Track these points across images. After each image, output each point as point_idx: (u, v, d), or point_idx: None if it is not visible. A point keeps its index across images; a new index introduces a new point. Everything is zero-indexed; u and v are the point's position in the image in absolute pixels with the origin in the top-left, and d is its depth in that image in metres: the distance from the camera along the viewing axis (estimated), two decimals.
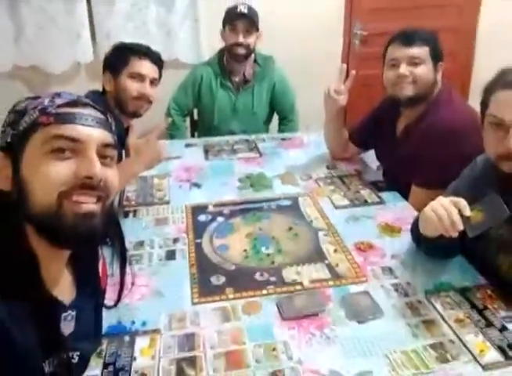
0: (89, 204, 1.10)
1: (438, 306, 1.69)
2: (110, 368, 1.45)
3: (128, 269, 1.36)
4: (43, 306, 1.08)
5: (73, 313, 1.22)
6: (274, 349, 1.53)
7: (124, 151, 2.44)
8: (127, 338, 1.57)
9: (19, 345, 0.99)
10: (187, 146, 3.29)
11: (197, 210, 2.39)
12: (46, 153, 1.07)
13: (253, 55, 3.57)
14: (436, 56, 2.39)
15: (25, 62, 4.24)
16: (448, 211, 1.62)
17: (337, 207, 2.41)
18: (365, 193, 2.54)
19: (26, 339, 1.01)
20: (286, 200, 2.49)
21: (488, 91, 1.72)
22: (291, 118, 3.86)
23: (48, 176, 1.06)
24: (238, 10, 3.37)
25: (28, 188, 1.06)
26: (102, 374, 1.44)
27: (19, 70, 4.28)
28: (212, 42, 3.95)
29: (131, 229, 2.18)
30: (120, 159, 2.18)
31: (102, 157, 1.13)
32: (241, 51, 3.44)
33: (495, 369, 1.43)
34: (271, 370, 1.45)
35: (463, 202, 1.63)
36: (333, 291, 1.81)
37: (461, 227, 1.60)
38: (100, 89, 2.62)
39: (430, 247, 1.91)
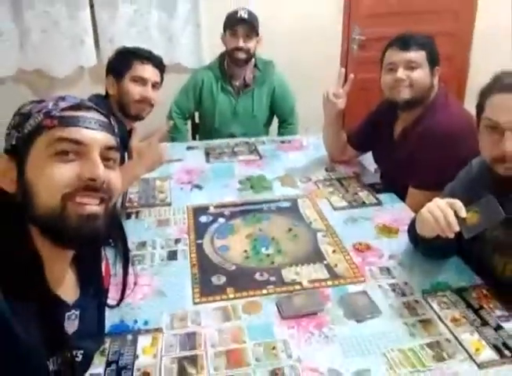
0: (92, 206, 1.10)
1: (435, 306, 1.69)
2: (113, 366, 1.46)
3: (130, 270, 1.36)
4: (47, 305, 1.09)
5: (77, 312, 1.22)
6: (274, 348, 1.53)
7: (126, 154, 2.44)
8: (129, 337, 1.57)
9: (23, 343, 0.99)
10: (188, 148, 3.29)
11: (198, 211, 2.39)
12: (50, 156, 1.07)
13: (253, 59, 3.57)
14: (432, 61, 2.39)
15: (29, 66, 4.24)
16: (444, 213, 1.62)
17: (335, 209, 2.41)
18: (363, 194, 2.54)
19: (30, 338, 1.01)
20: (286, 201, 2.49)
21: (484, 94, 1.73)
22: (291, 121, 3.86)
23: (52, 178, 1.06)
24: (238, 15, 3.37)
25: (33, 190, 1.07)
26: (105, 372, 1.44)
27: (23, 73, 4.28)
28: (213, 47, 3.95)
29: (134, 230, 2.18)
30: (122, 161, 2.18)
31: (105, 159, 1.14)
32: (241, 55, 3.44)
33: (491, 367, 1.44)
34: (271, 369, 1.45)
35: (459, 204, 1.64)
36: (332, 290, 1.81)
37: (457, 228, 1.60)
38: (103, 93, 2.63)
39: (427, 248, 1.91)
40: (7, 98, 3.86)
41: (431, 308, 1.69)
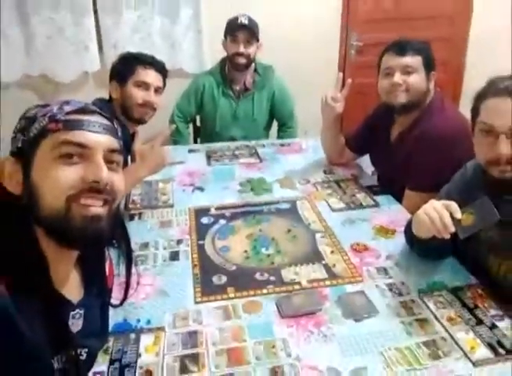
0: (96, 207, 1.10)
1: (431, 305, 1.69)
2: (116, 364, 1.46)
3: (133, 270, 1.36)
4: (52, 305, 1.09)
5: (81, 312, 1.22)
6: (273, 346, 1.53)
7: (129, 156, 2.45)
8: (132, 336, 1.57)
9: (29, 341, 0.99)
10: (190, 151, 3.29)
11: (200, 213, 2.39)
12: (55, 159, 1.07)
13: (253, 64, 3.57)
14: (428, 65, 2.39)
15: (35, 71, 4.25)
16: (440, 214, 1.62)
17: (333, 210, 2.41)
18: (361, 196, 2.54)
19: (36, 336, 1.01)
20: (285, 203, 2.49)
21: (479, 98, 1.73)
22: (290, 125, 3.86)
23: (57, 180, 1.06)
24: (239, 21, 3.38)
25: (38, 192, 1.07)
26: (108, 370, 1.44)
27: (29, 78, 4.29)
28: (214, 52, 3.95)
29: (137, 231, 2.18)
30: (125, 164, 2.18)
31: (108, 162, 1.14)
32: (242, 60, 3.44)
33: (485, 365, 1.44)
34: (270, 367, 1.45)
35: (454, 205, 1.64)
36: (330, 290, 1.81)
37: (452, 229, 1.61)
38: (107, 97, 2.63)
39: (423, 249, 1.91)
40: (13, 102, 3.87)
41: (427, 307, 1.69)
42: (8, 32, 4.05)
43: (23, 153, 1.10)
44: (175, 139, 3.66)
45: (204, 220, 2.33)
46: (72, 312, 1.19)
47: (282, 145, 3.41)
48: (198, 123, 3.98)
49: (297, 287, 1.82)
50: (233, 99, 3.62)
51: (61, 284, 1.16)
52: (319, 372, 1.43)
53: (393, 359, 1.46)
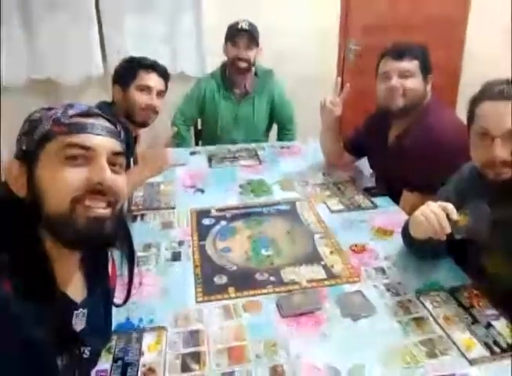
0: (100, 209, 1.10)
1: (428, 305, 1.69)
2: (119, 363, 1.46)
3: (136, 270, 1.36)
4: (56, 304, 1.09)
5: (85, 311, 1.22)
6: (273, 345, 1.53)
7: (132, 159, 2.45)
8: (135, 335, 1.57)
9: (33, 340, 1.00)
10: (192, 154, 3.30)
11: (201, 214, 2.39)
12: (60, 161, 1.07)
13: (253, 68, 3.57)
14: (425, 69, 2.39)
15: (39, 75, 4.26)
16: (436, 215, 1.63)
17: (332, 212, 2.41)
18: (359, 198, 2.55)
19: (40, 335, 1.01)
20: (285, 205, 2.49)
21: (475, 102, 1.73)
22: (289, 128, 3.86)
23: (61, 182, 1.06)
24: (239, 26, 3.38)
25: (43, 193, 1.07)
26: (111, 368, 1.44)
27: (33, 82, 4.29)
28: (215, 57, 3.96)
29: (139, 232, 2.18)
30: (128, 166, 2.18)
31: (112, 164, 1.14)
32: (242, 65, 3.44)
33: (481, 364, 1.44)
34: (270, 365, 1.45)
35: (450, 207, 1.64)
36: (329, 290, 1.81)
37: (449, 230, 1.61)
38: (110, 101, 2.63)
39: (420, 249, 1.92)
40: (18, 105, 3.86)
41: (424, 307, 1.69)
42: (13, 38, 4.06)
43: (28, 156, 1.10)
44: (177, 141, 3.65)
45: (205, 221, 2.33)
46: (76, 312, 1.19)
47: (282, 147, 3.42)
48: (199, 126, 3.97)
49: (296, 287, 1.83)
50: (234, 103, 3.62)
51: (65, 284, 1.16)
52: (318, 370, 1.43)
53: (390, 358, 1.46)
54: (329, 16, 4.69)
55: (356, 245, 2.09)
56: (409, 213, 2.01)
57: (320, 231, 2.22)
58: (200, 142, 4.01)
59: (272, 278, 1.88)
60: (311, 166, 3.01)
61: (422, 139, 2.34)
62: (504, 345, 1.49)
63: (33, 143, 1.09)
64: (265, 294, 1.79)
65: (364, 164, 2.98)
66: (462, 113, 1.91)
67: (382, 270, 1.92)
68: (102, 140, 1.13)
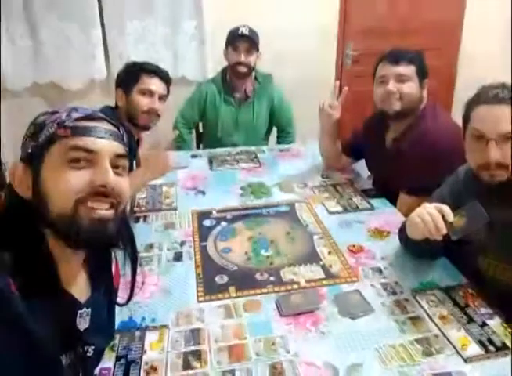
0: (103, 210, 1.10)
1: (424, 304, 1.69)
2: (122, 361, 1.46)
3: (138, 270, 1.36)
4: (60, 304, 1.09)
5: (88, 310, 1.22)
6: (273, 343, 1.53)
7: (135, 161, 2.45)
8: (137, 333, 1.58)
9: (38, 339, 1.00)
10: (193, 156, 3.30)
11: (202, 215, 2.40)
12: (64, 163, 1.07)
13: (253, 73, 3.57)
14: (422, 74, 2.39)
15: (44, 79, 4.26)
16: (432, 217, 1.63)
17: (330, 213, 2.41)
18: (357, 199, 2.55)
19: (44, 334, 1.01)
20: (284, 206, 2.49)
21: (470, 106, 1.74)
22: (289, 131, 3.86)
23: (65, 184, 1.06)
24: (240, 32, 3.38)
25: (47, 195, 1.07)
26: (114, 366, 1.44)
27: (38, 86, 4.30)
28: (216, 61, 3.97)
29: (142, 233, 2.18)
30: (131, 169, 2.18)
31: (114, 166, 1.14)
32: (242, 69, 3.44)
33: (476, 361, 1.44)
34: (270, 363, 1.45)
35: (446, 208, 1.64)
36: (328, 289, 1.81)
37: (444, 231, 1.61)
38: (113, 104, 2.63)
39: (417, 250, 1.92)
40: (23, 109, 3.89)
41: (420, 306, 1.69)
42: (19, 42, 4.08)
43: (33, 159, 1.10)
44: (179, 144, 3.65)
45: (206, 222, 2.33)
46: (79, 311, 1.19)
47: (281, 150, 3.42)
48: (201, 129, 3.97)
49: (295, 286, 1.83)
50: (234, 107, 3.62)
51: (69, 284, 1.16)
52: (316, 368, 1.44)
53: (387, 356, 1.47)
54: (328, 21, 4.69)
55: (354, 246, 2.09)
56: (406, 214, 2.01)
57: (319, 232, 2.22)
58: (201, 145, 4.00)
59: (271, 278, 1.88)
60: (310, 168, 3.01)
61: (418, 142, 2.34)
62: (499, 344, 1.50)
63: (38, 146, 1.09)
64: (264, 293, 1.79)
65: (362, 166, 2.98)
66: (458, 116, 1.91)
67: (379, 270, 1.92)
68: (105, 143, 1.13)
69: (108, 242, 1.17)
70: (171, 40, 4.39)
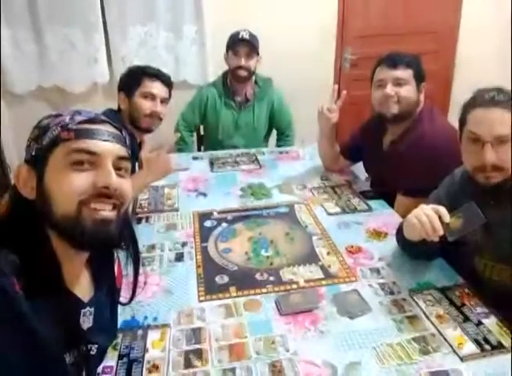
0: (106, 211, 1.11)
1: (421, 303, 1.69)
2: (125, 359, 1.46)
3: (140, 270, 1.36)
4: (64, 303, 1.09)
5: (92, 310, 1.22)
6: (273, 342, 1.53)
7: (137, 164, 2.45)
8: (140, 332, 1.58)
9: (42, 338, 1.00)
10: (194, 158, 3.30)
11: (203, 216, 2.40)
12: (67, 165, 1.08)
13: (253, 76, 3.57)
14: (419, 78, 2.39)
15: (48, 83, 4.27)
16: (429, 218, 1.63)
17: (329, 214, 2.41)
18: (355, 201, 2.55)
19: (48, 333, 1.02)
20: (284, 207, 2.49)
21: (466, 109, 1.74)
22: (288, 134, 3.86)
23: (69, 186, 1.06)
24: (240, 36, 3.38)
25: (51, 197, 1.07)
26: (117, 364, 1.44)
27: (42, 90, 4.31)
28: (217, 65, 3.97)
29: (144, 234, 2.19)
30: (133, 171, 2.18)
31: (117, 168, 1.14)
32: (243, 73, 3.44)
33: (472, 360, 1.44)
34: (270, 361, 1.45)
35: (443, 209, 1.64)
36: (326, 289, 1.81)
37: (441, 232, 1.61)
38: (116, 108, 2.64)
39: (414, 250, 1.92)
40: (27, 111, 3.90)
41: (417, 305, 1.69)
42: (24, 47, 4.09)
43: (37, 161, 1.10)
44: (180, 147, 3.66)
45: (207, 223, 2.33)
46: (83, 310, 1.19)
47: (280, 153, 3.42)
48: (202, 132, 3.97)
49: (294, 286, 1.83)
50: (235, 110, 3.62)
51: (72, 284, 1.17)
52: (315, 366, 1.43)
53: (385, 354, 1.47)
54: (327, 26, 4.70)
55: (352, 246, 2.09)
56: (403, 216, 2.01)
57: (318, 233, 2.22)
58: (202, 148, 4.01)
59: (271, 278, 1.88)
60: (309, 170, 3.02)
61: (415, 145, 2.34)
62: (494, 342, 1.49)
63: (42, 148, 1.10)
64: (264, 293, 1.79)
65: (360, 168, 2.98)
66: (454, 119, 1.91)
67: (377, 270, 1.92)
68: (108, 146, 1.13)
69: (111, 242, 1.18)
70: (173, 44, 4.40)
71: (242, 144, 3.66)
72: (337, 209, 2.46)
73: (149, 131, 2.63)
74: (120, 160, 1.16)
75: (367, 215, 2.40)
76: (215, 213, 2.43)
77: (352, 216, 2.39)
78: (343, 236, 2.18)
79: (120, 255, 1.33)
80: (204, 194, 2.68)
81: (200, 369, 1.43)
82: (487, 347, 1.48)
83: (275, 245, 2.12)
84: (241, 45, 3.40)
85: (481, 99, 1.69)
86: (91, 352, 1.23)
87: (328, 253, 2.05)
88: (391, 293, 1.77)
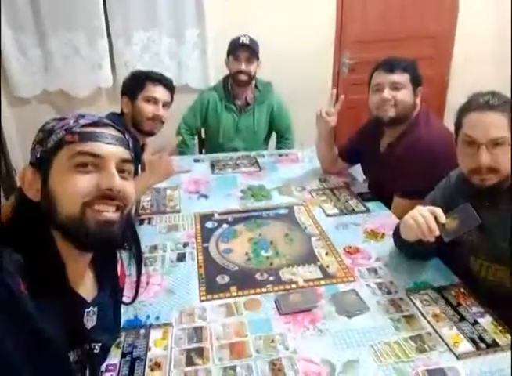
0: (109, 213, 1.11)
1: (418, 303, 1.69)
2: (128, 357, 1.46)
3: (143, 270, 1.36)
4: (68, 302, 1.09)
5: (95, 309, 1.22)
6: (272, 341, 1.53)
7: (139, 166, 2.45)
8: (142, 331, 1.57)
9: (46, 337, 1.00)
10: (195, 161, 3.29)
11: (205, 218, 2.39)
12: (71, 168, 1.08)
13: (253, 81, 3.57)
14: (415, 82, 2.39)
15: (53, 87, 4.27)
16: (426, 219, 1.63)
17: (328, 216, 2.41)
18: (353, 202, 2.55)
19: (53, 332, 1.01)
20: (283, 209, 2.49)
21: (462, 112, 1.74)
22: (287, 137, 3.85)
23: (73, 188, 1.06)
24: (240, 41, 3.38)
25: (55, 198, 1.07)
26: (120, 362, 1.44)
27: (47, 94, 4.31)
28: (218, 70, 3.97)
29: (147, 235, 2.18)
30: (136, 173, 2.18)
31: (120, 171, 1.14)
32: (243, 77, 3.44)
33: (468, 358, 1.44)
34: (269, 359, 1.45)
35: (439, 211, 1.65)
36: (325, 289, 1.81)
37: (437, 233, 1.62)
38: (119, 111, 2.64)
39: (410, 251, 1.92)
40: (33, 115, 3.90)
41: (414, 305, 1.69)
42: (29, 53, 4.09)
43: (42, 163, 1.10)
44: (182, 149, 3.66)
45: (208, 224, 2.33)
46: (86, 310, 1.19)
47: (280, 155, 3.42)
48: (203, 135, 3.97)
49: (294, 286, 1.83)
50: (235, 113, 3.62)
51: (76, 284, 1.17)
52: (314, 364, 1.43)
53: (382, 353, 1.47)
54: (325, 31, 4.69)
55: (350, 247, 2.09)
56: (400, 217, 2.01)
57: (316, 234, 2.22)
58: (204, 151, 4.01)
59: (271, 278, 1.88)
60: (308, 172, 3.01)
61: (412, 148, 2.34)
62: (489, 341, 1.50)
63: (46, 151, 1.10)
64: (264, 293, 1.79)
65: (358, 170, 2.98)
66: (450, 123, 1.91)
67: (374, 270, 1.92)
68: (111, 148, 1.13)
69: (114, 243, 1.17)
70: (175, 50, 4.39)
71: (242, 147, 3.65)
72: (336, 210, 2.46)
73: (151, 134, 2.63)
74: (124, 162, 1.16)
75: (365, 217, 2.39)
76: (216, 214, 2.43)
77: (350, 217, 2.39)
78: (341, 237, 2.18)
79: (123, 256, 1.33)
80: (205, 196, 2.68)
81: (202, 367, 1.43)
82: (482, 345, 1.48)
83: (274, 246, 2.12)
84: (241, 50, 3.40)
85: (476, 103, 1.69)
86: (95, 351, 1.23)
87: (326, 253, 2.05)
88: (389, 292, 1.77)
